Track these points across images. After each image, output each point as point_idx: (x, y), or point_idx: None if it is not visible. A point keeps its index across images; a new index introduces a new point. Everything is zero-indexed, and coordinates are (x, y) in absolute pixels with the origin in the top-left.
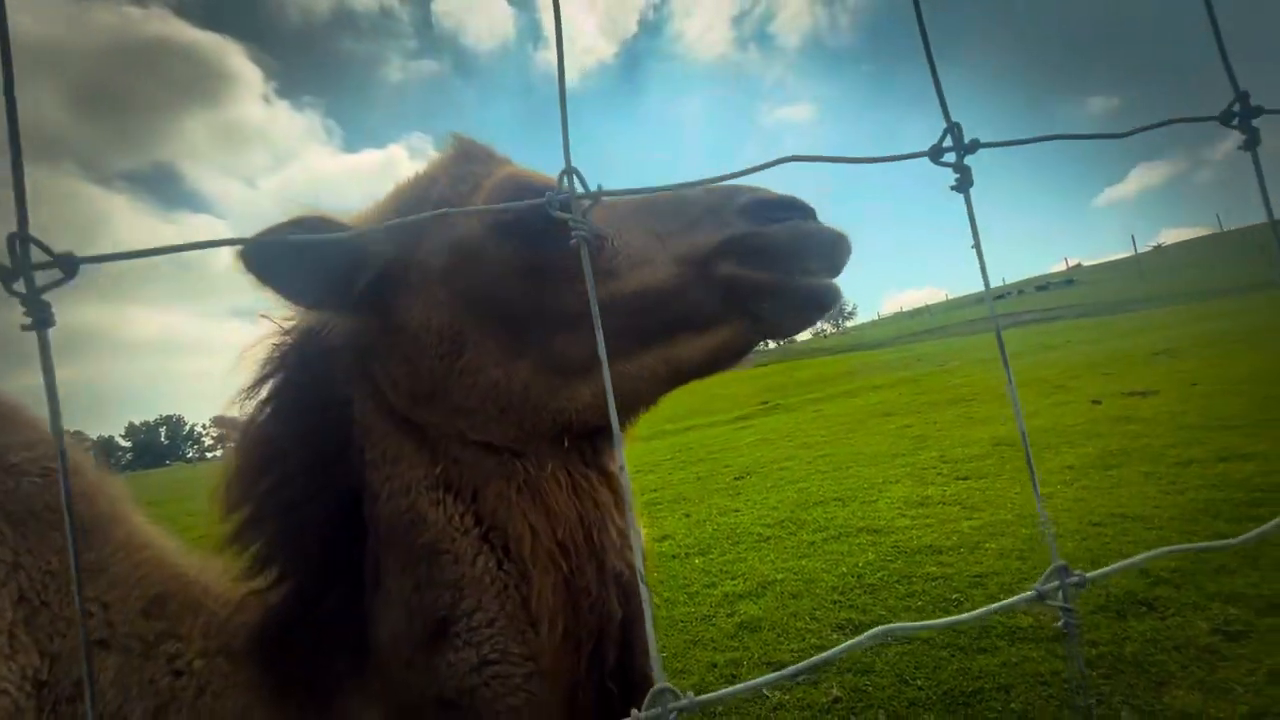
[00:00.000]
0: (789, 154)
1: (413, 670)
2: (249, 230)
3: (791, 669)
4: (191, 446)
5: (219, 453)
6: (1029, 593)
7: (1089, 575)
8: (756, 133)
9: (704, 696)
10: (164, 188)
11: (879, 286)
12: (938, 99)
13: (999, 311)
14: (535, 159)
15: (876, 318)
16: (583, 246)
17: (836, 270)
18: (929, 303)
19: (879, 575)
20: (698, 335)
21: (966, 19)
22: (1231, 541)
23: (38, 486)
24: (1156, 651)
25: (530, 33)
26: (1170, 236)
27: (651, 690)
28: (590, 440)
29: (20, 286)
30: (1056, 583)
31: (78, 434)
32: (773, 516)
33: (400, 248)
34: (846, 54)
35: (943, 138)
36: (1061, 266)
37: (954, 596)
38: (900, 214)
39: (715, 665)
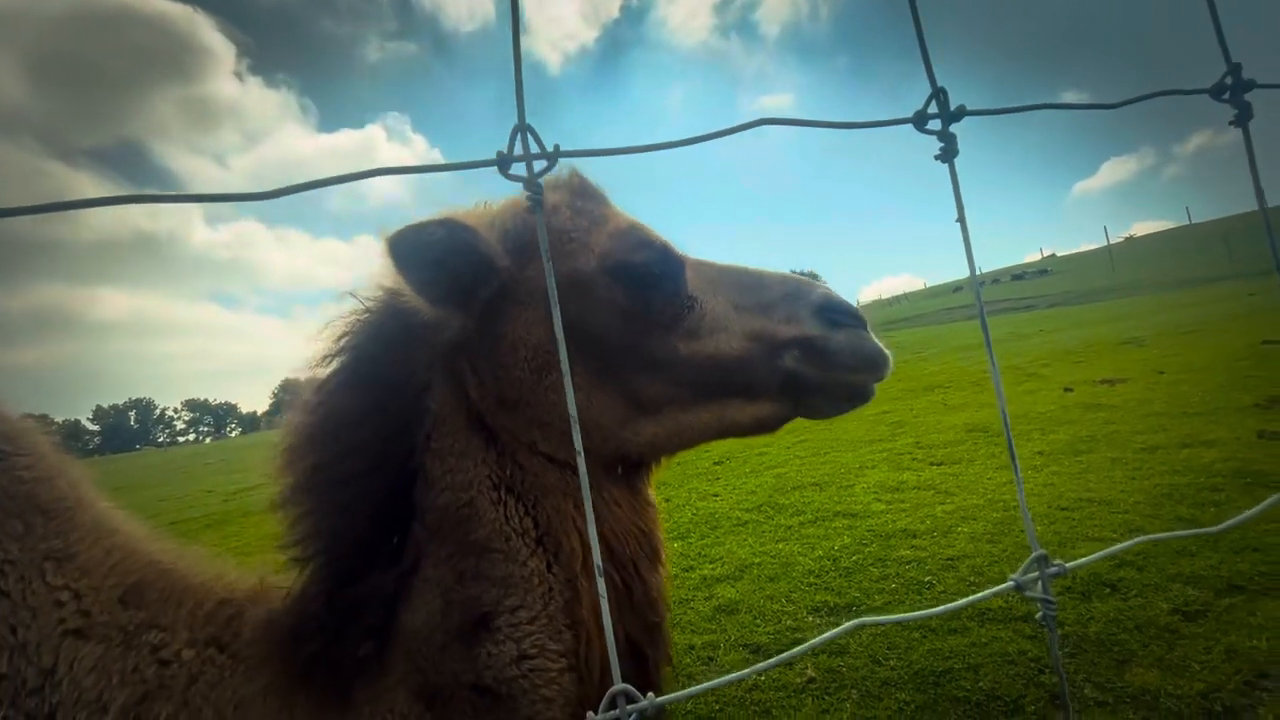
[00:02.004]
0: (772, 142)
1: (447, 655)
2: (223, 206)
3: (762, 663)
4: (162, 430)
5: (191, 436)
6: (1007, 584)
7: (1068, 565)
8: (738, 120)
9: (662, 698)
10: (130, 165)
11: (857, 274)
12: (924, 64)
13: (972, 301)
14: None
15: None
16: (537, 211)
17: (877, 379)
18: (906, 290)
19: (854, 558)
20: (749, 403)
21: (941, 12)
22: (1213, 529)
23: None
24: (1119, 631)
25: (511, 15)
26: (1140, 229)
27: (609, 691)
28: (636, 470)
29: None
30: (1036, 573)
31: (42, 418)
32: (751, 501)
33: (515, 262)
34: (825, 45)
35: (928, 103)
36: (1037, 256)
37: (927, 579)
38: (878, 201)
39: (693, 647)
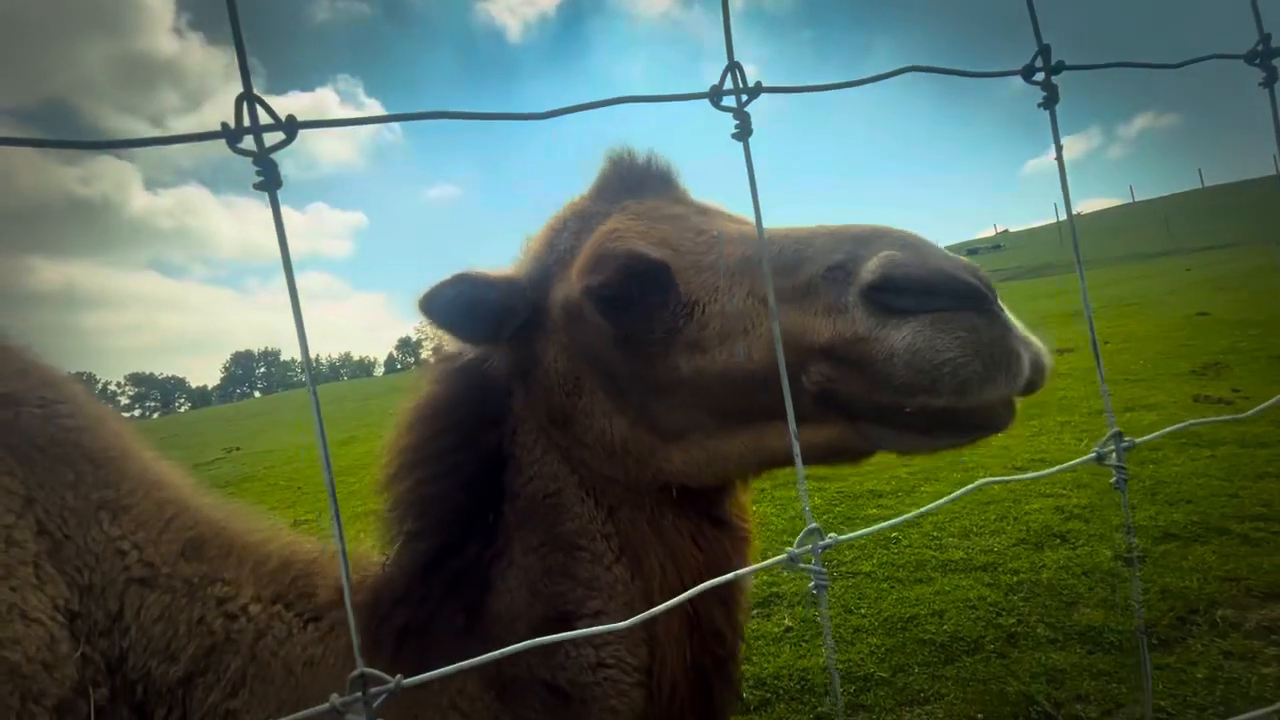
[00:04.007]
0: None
1: (529, 649)
2: (166, 172)
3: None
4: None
5: (136, 412)
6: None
7: (840, 537)
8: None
9: (409, 680)
10: (57, 126)
11: None
12: (726, 41)
13: None
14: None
15: None
16: (271, 190)
17: (980, 399)
18: None
19: (824, 517)
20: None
21: None
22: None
23: (37, 418)
24: (1068, 577)
25: None
26: (1087, 205)
27: (351, 675)
28: (701, 496)
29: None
30: (809, 546)
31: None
32: None
33: (540, 292)
34: (788, 19)
35: (723, 78)
36: (991, 232)
37: (894, 535)
38: (850, 184)
39: None
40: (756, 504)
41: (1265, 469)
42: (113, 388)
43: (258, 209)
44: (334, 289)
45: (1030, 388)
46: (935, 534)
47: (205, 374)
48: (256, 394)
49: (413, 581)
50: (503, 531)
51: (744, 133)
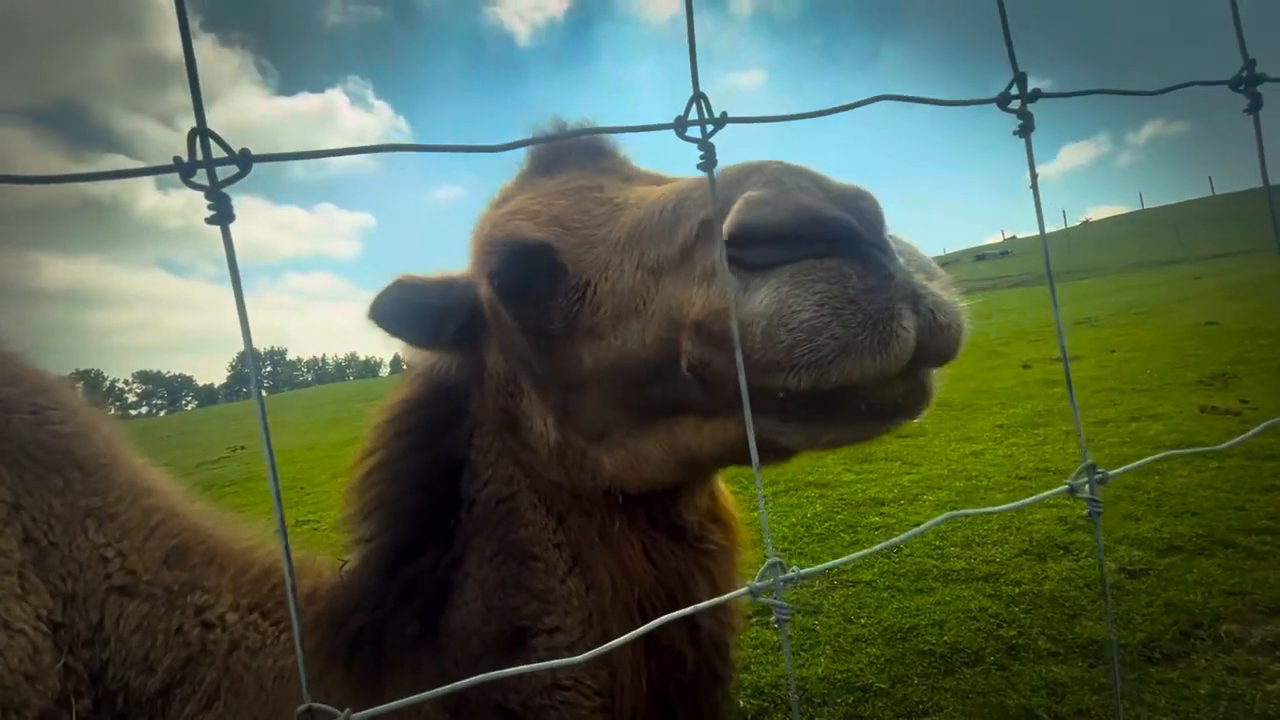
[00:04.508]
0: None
1: (480, 667)
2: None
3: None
4: (113, 404)
5: (143, 410)
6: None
7: (803, 572)
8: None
9: (359, 715)
10: (69, 125)
11: None
12: (691, 71)
13: None
14: (484, 115)
15: None
16: (223, 226)
17: (861, 372)
18: None
19: (826, 525)
20: (704, 420)
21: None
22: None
23: (28, 424)
24: (1070, 589)
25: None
26: (1096, 213)
27: (299, 710)
28: (658, 499)
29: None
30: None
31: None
32: (726, 472)
33: (475, 289)
34: (796, 25)
35: (688, 109)
36: (998, 238)
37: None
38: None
39: None
40: (757, 511)
41: (1273, 482)
42: (120, 385)
43: (266, 210)
44: (341, 289)
45: (932, 356)
46: (937, 543)
47: (212, 372)
48: (262, 393)
49: (367, 588)
50: (460, 539)
51: (709, 164)
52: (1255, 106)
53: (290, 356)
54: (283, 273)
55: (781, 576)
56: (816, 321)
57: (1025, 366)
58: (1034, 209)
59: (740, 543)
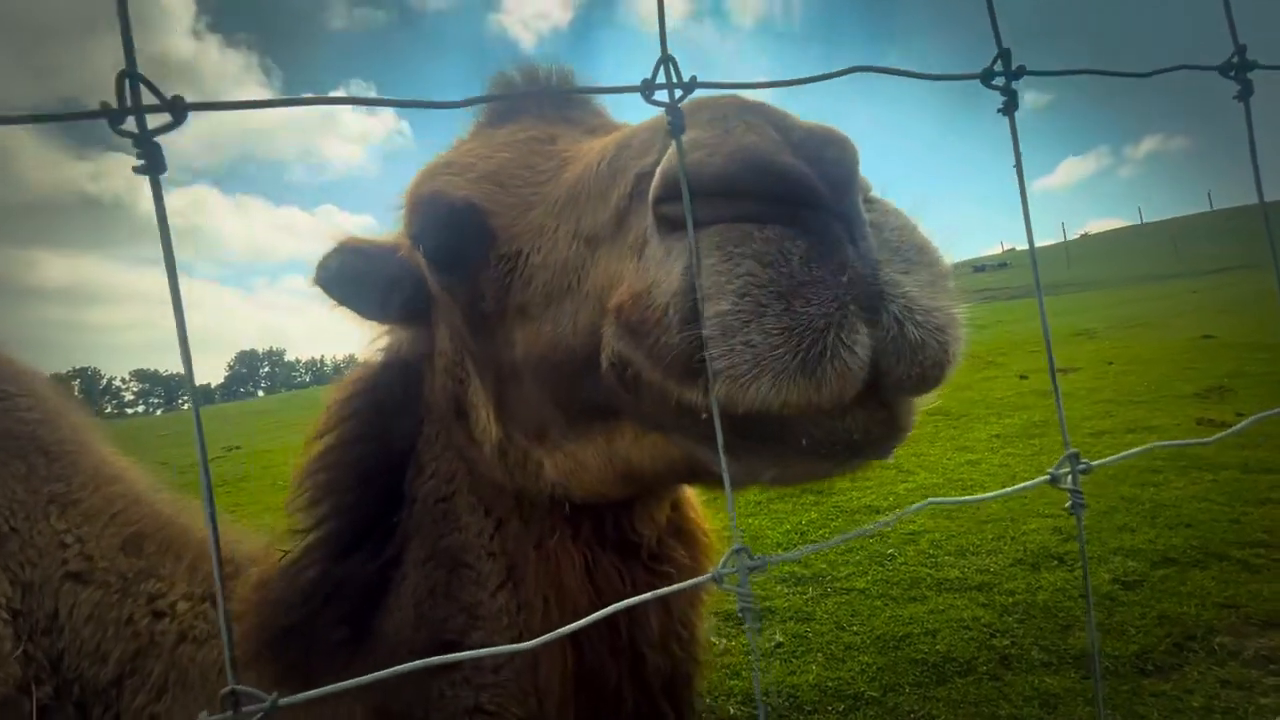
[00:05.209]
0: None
1: (408, 680)
2: (176, 170)
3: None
4: (109, 402)
5: (140, 409)
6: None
7: (770, 558)
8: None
9: (286, 700)
10: (71, 124)
11: None
12: (659, 35)
13: None
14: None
15: None
16: (153, 177)
17: (799, 399)
18: None
19: (821, 532)
20: (643, 431)
21: (909, 8)
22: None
23: None
24: (1064, 599)
25: None
26: (1095, 226)
27: (222, 692)
28: (609, 509)
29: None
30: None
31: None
32: None
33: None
34: (797, 37)
35: (655, 71)
36: (997, 250)
37: (890, 552)
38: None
39: None
40: (751, 517)
41: (1268, 494)
42: (117, 384)
43: (266, 210)
44: None
45: (901, 381)
46: (931, 552)
47: (210, 372)
48: (260, 393)
49: (298, 584)
50: (400, 537)
51: (676, 129)
52: (1246, 93)
53: (289, 357)
54: (281, 274)
55: (747, 563)
56: (733, 319)
57: (1022, 377)
58: (1034, 222)
59: (708, 560)
